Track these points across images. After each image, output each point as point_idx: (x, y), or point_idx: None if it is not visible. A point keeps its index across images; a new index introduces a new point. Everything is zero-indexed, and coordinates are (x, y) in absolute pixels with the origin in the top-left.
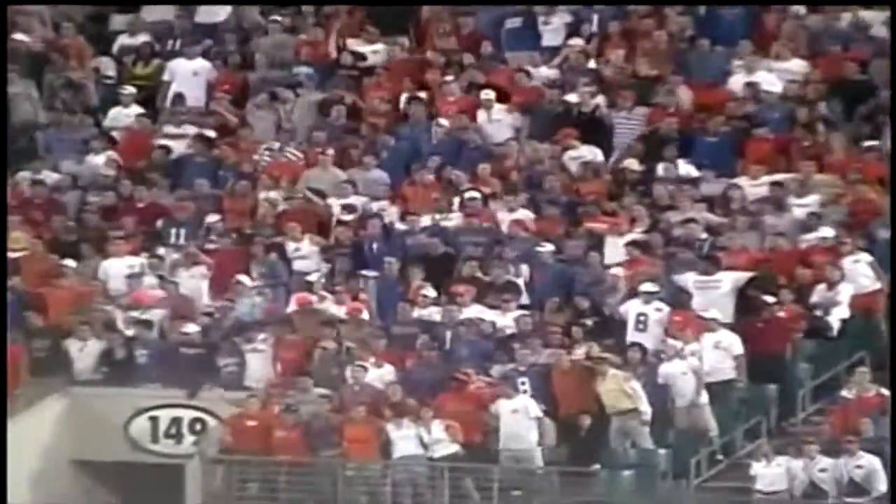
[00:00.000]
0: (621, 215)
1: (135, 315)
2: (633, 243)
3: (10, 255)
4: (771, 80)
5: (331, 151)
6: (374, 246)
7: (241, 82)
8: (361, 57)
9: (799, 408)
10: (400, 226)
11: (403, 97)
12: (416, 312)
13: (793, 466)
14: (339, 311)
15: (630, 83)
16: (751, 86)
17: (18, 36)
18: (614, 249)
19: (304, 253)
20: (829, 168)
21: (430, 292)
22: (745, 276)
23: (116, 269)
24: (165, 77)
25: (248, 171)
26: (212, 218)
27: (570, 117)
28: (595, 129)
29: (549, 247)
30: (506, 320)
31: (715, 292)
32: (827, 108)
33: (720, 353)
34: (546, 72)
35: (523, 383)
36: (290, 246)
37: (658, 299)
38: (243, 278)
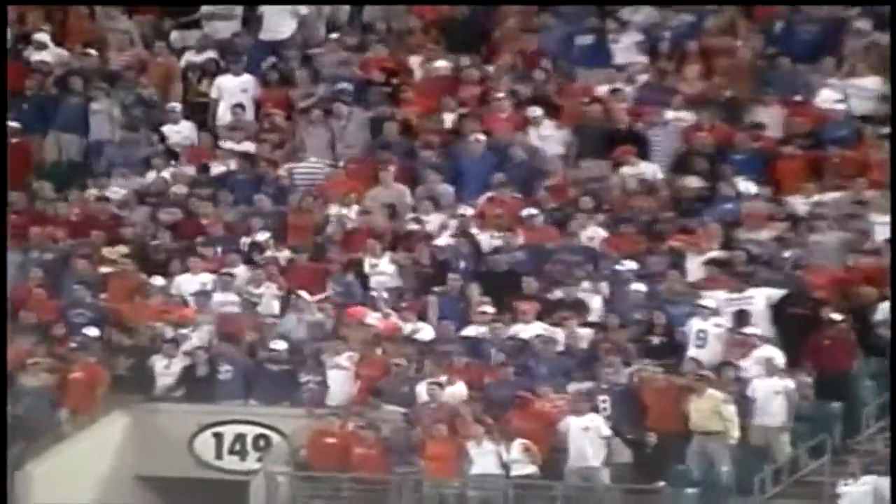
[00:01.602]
0: (700, 232)
1: (211, 331)
2: (713, 261)
3: (101, 270)
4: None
5: (392, 169)
6: (462, 265)
7: (286, 98)
8: (394, 73)
9: (863, 426)
10: (485, 243)
11: (449, 115)
12: (474, 330)
13: (879, 486)
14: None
15: (712, 102)
16: (842, 102)
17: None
18: (695, 267)
19: (383, 269)
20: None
21: (489, 309)
22: (780, 292)
23: (190, 285)
24: (213, 94)
25: (306, 188)
26: (264, 235)
27: (613, 134)
28: (636, 145)
29: (630, 264)
30: (572, 338)
31: (748, 309)
32: None
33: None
34: (627, 90)
35: (604, 401)
36: (368, 263)
37: (722, 316)
38: (304, 294)
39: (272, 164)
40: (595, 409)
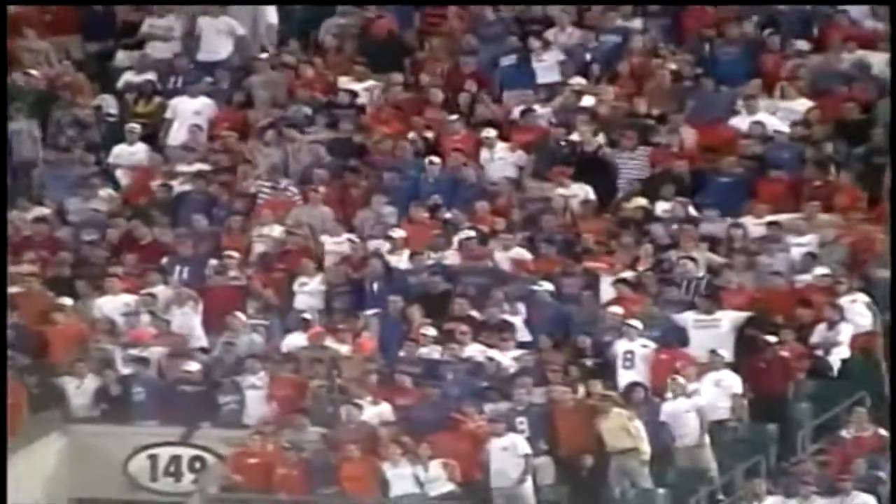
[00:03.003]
0: (618, 254)
1: (132, 353)
2: (622, 281)
3: (10, 289)
4: (774, 120)
5: (321, 189)
6: (375, 285)
7: (242, 120)
8: (355, 95)
9: (799, 448)
10: (400, 264)
11: (409, 136)
12: (417, 351)
13: None
14: (341, 349)
15: (629, 122)
16: (758, 125)
17: (19, 74)
18: (610, 288)
19: (311, 290)
20: (836, 208)
21: (431, 331)
22: (745, 315)
23: (111, 306)
24: (168, 115)
25: (245, 209)
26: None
27: (573, 157)
28: (597, 169)
29: (547, 285)
30: (505, 359)
31: (714, 331)
32: (833, 148)
33: (719, 392)
34: (541, 111)
35: (521, 423)
36: (298, 281)
37: (648, 337)
38: (239, 315)
39: (223, 186)
40: (513, 430)
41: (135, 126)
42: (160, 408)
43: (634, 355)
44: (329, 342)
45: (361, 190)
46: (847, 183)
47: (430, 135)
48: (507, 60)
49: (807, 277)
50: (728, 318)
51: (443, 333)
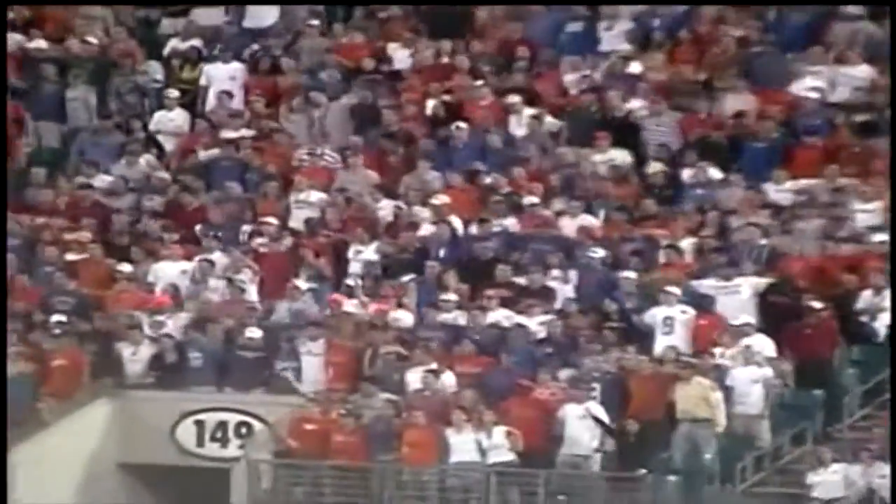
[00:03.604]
0: (678, 221)
1: (187, 318)
2: (671, 247)
3: (68, 257)
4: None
5: (360, 155)
6: (441, 252)
7: (274, 86)
8: (387, 61)
9: (845, 414)
10: (466, 231)
11: (431, 102)
12: (441, 316)
13: (850, 473)
14: (394, 317)
15: (682, 88)
16: (817, 90)
17: (75, 41)
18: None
19: (367, 257)
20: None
21: (452, 297)
22: (765, 281)
23: (168, 272)
24: (203, 81)
25: (283, 175)
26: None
27: (604, 122)
28: (627, 134)
29: (600, 252)
30: (532, 324)
31: (735, 297)
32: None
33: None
34: (575, 77)
35: (593, 389)
36: (353, 250)
37: (688, 303)
38: (298, 282)
39: (258, 152)
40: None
41: (172, 92)
42: (217, 374)
43: (674, 321)
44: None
45: (399, 156)
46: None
47: (448, 98)
48: (573, 27)
49: (868, 244)
50: (748, 284)
51: (474, 299)
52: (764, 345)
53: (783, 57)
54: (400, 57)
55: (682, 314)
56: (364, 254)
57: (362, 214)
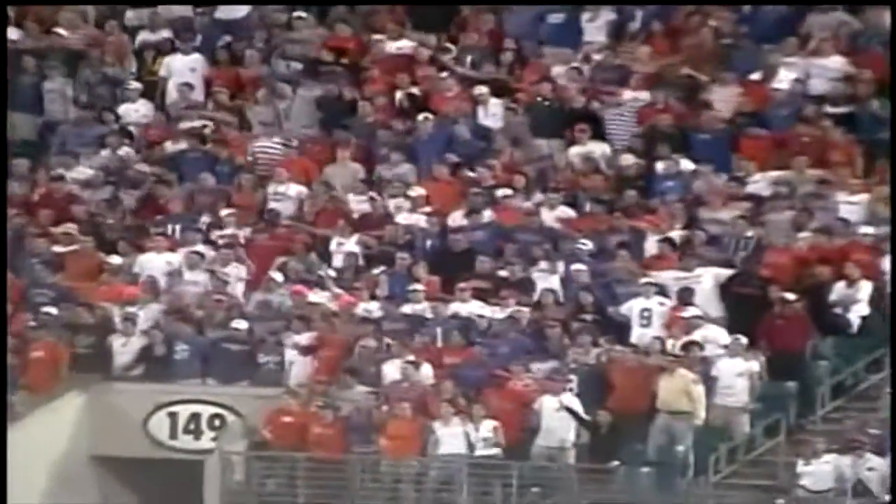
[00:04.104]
0: (661, 212)
1: (173, 311)
2: (666, 240)
3: (56, 249)
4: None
5: (349, 148)
6: (428, 243)
7: (235, 77)
8: (342, 53)
9: (818, 405)
10: (451, 223)
11: (398, 94)
12: (410, 308)
13: (841, 464)
14: (330, 306)
15: (667, 82)
16: (799, 83)
17: (60, 31)
18: (651, 247)
19: (349, 249)
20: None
21: (419, 287)
22: (727, 272)
23: (155, 264)
24: (162, 73)
25: (247, 166)
26: (223, 212)
27: (564, 113)
28: (588, 125)
29: (588, 244)
30: (495, 314)
31: (696, 287)
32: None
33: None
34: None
35: (570, 381)
36: (335, 242)
37: (664, 295)
38: (275, 274)
39: (221, 144)
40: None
41: (134, 84)
42: (202, 366)
43: (652, 313)
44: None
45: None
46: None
47: (415, 90)
48: (555, 18)
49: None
50: (710, 275)
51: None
52: (718, 336)
53: (759, 49)
54: (375, 49)
55: (660, 306)
56: (345, 246)
57: (340, 207)
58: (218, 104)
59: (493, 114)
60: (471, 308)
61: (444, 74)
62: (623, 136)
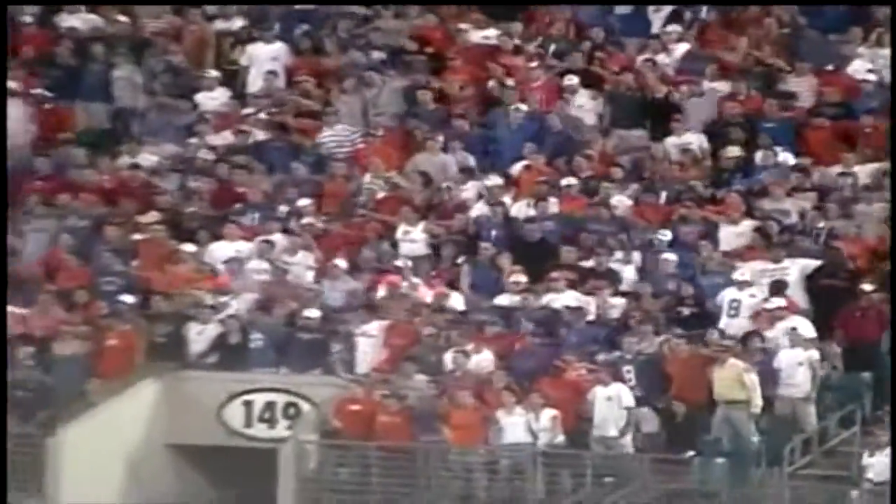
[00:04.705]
0: (730, 202)
1: (248, 300)
2: (758, 230)
3: (134, 237)
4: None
5: (440, 137)
6: (493, 234)
7: (319, 67)
8: (426, 42)
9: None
10: (518, 212)
11: (490, 83)
12: (508, 299)
13: None
14: (424, 297)
15: (747, 71)
16: (874, 72)
17: (124, 18)
18: (728, 237)
19: (414, 237)
20: None
21: (521, 278)
22: (814, 263)
23: (224, 253)
24: (243, 61)
25: (339, 157)
26: (304, 202)
27: (649, 103)
28: (668, 114)
29: (667, 234)
30: (603, 308)
31: (783, 279)
32: None
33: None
34: (662, 59)
35: (629, 371)
36: (400, 230)
37: (756, 286)
38: (339, 262)
39: (303, 133)
40: (620, 379)
41: (212, 72)
42: (276, 355)
43: (741, 304)
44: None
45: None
46: None
47: (510, 82)
48: (623, 10)
49: None
50: (797, 266)
51: (536, 282)
52: (803, 327)
53: (825, 39)
54: (460, 40)
55: (750, 297)
56: (412, 234)
57: (409, 196)
58: (303, 93)
59: (580, 105)
60: (563, 299)
61: (533, 64)
62: (701, 126)
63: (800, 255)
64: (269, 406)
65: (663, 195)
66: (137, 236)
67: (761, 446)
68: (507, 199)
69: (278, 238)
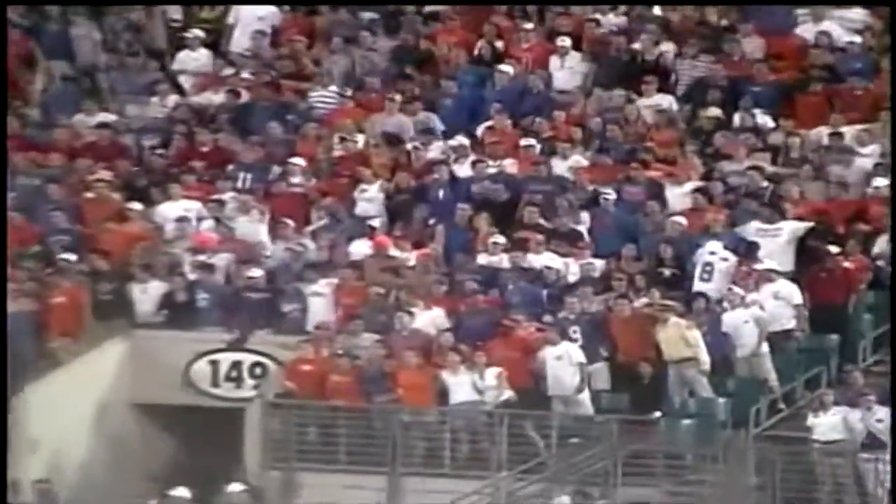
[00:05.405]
0: (681, 163)
1: (197, 258)
2: (699, 190)
3: (84, 195)
4: (839, 29)
5: (398, 97)
6: (440, 192)
7: (309, 27)
8: (424, 2)
9: (860, 358)
10: (464, 172)
11: (479, 44)
12: (486, 259)
13: (850, 417)
14: (406, 257)
15: (698, 31)
16: (825, 35)
17: None
18: (674, 198)
19: (370, 196)
20: None
21: (500, 239)
22: (804, 225)
23: (173, 212)
24: (230, 20)
25: (316, 116)
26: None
27: (636, 65)
28: (660, 78)
29: (611, 194)
30: (573, 268)
31: (775, 241)
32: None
33: (779, 303)
34: (613, 19)
35: (575, 331)
36: (358, 188)
37: (728, 249)
38: (291, 223)
39: (289, 92)
40: (568, 338)
41: (197, 32)
42: (224, 314)
43: (714, 268)
44: (393, 250)
45: (416, 98)
46: None
47: (499, 44)
48: None
49: (869, 189)
50: (788, 228)
51: (511, 242)
52: (790, 291)
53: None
54: None
55: (723, 261)
56: (368, 192)
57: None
58: (293, 53)
59: (568, 67)
60: (543, 260)
61: (528, 26)
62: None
63: (747, 217)
64: (236, 366)
65: (617, 156)
66: (87, 195)
67: (727, 408)
68: (472, 157)
69: (227, 197)
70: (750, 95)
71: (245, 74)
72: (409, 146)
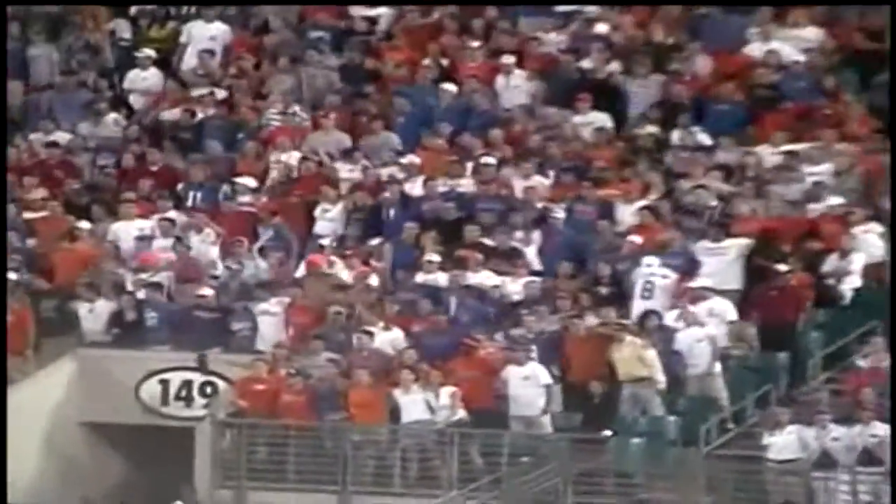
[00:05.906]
0: (633, 182)
1: (144, 277)
2: (646, 209)
3: (27, 215)
4: (787, 48)
5: (332, 115)
6: (392, 211)
7: (258, 46)
8: (374, 21)
9: (809, 376)
10: (416, 191)
11: (425, 62)
12: (423, 278)
13: (805, 435)
14: (348, 276)
15: (645, 50)
16: (771, 53)
17: None
18: (625, 216)
19: (332, 216)
20: (848, 137)
21: (435, 258)
22: (748, 243)
23: (126, 231)
24: (183, 39)
25: (261, 135)
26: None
27: (585, 84)
28: (610, 97)
29: (560, 212)
30: (514, 286)
31: (722, 259)
32: (841, 77)
33: (714, 321)
34: (557, 38)
35: (531, 350)
36: (319, 208)
37: (669, 267)
38: (244, 241)
39: (240, 110)
40: (533, 358)
41: (148, 51)
42: (173, 333)
43: (654, 285)
44: (339, 269)
45: (371, 117)
46: (860, 112)
47: (445, 62)
48: None
49: (818, 207)
50: (735, 246)
51: (452, 260)
52: (725, 308)
53: (732, 18)
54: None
55: (663, 278)
56: (330, 213)
57: (329, 175)
58: (241, 71)
59: (514, 85)
60: (482, 279)
61: (475, 44)
62: (653, 107)
63: (694, 235)
64: (186, 384)
65: (552, 175)
66: (32, 214)
67: (678, 426)
68: (418, 178)
69: (176, 216)
70: (697, 114)
71: (196, 93)
72: (363, 164)
